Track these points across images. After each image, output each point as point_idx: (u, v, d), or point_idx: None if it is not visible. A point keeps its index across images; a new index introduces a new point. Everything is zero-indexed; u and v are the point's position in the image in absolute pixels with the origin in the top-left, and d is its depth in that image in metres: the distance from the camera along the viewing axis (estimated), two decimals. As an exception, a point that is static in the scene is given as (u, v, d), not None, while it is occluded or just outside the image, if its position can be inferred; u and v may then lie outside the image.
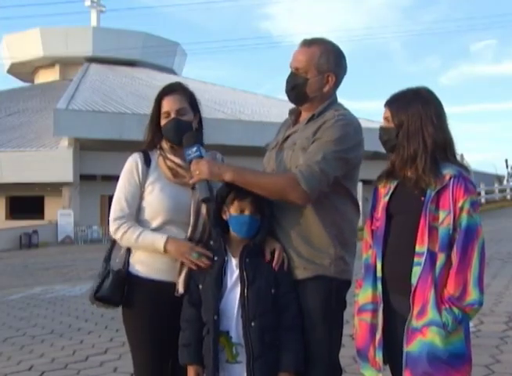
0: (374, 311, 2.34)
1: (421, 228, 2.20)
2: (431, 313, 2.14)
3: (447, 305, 2.12)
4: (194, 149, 2.46)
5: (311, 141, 2.45)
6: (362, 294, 2.39)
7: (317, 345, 2.43)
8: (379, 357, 2.29)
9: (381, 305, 2.29)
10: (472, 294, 2.11)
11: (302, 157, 2.44)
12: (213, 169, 2.42)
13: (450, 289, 2.13)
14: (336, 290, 2.47)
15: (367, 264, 2.41)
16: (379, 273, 2.31)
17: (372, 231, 2.45)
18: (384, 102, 2.41)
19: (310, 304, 2.44)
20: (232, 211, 2.46)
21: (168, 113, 2.60)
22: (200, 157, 2.45)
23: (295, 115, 2.67)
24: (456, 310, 2.11)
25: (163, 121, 2.62)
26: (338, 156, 2.40)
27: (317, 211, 2.46)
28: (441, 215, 2.19)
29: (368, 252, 2.43)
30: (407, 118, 2.28)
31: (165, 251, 2.50)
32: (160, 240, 2.51)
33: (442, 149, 2.27)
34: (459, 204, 2.16)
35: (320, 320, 2.43)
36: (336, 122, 2.43)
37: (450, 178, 2.19)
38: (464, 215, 2.15)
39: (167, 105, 2.61)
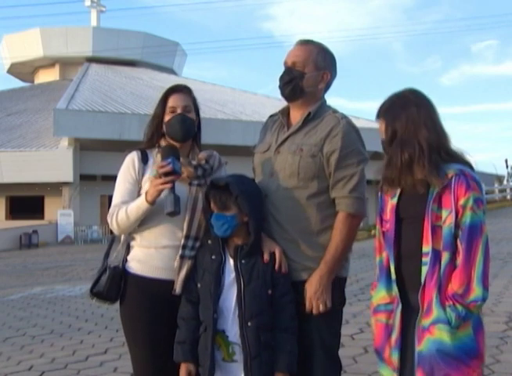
0: (389, 312, 2.34)
1: (425, 228, 2.21)
2: (436, 311, 2.15)
3: (450, 302, 2.13)
4: (169, 160, 2.44)
5: (327, 154, 2.48)
6: (376, 296, 2.41)
7: (318, 341, 2.46)
8: (395, 357, 2.29)
9: (399, 306, 2.29)
10: (475, 291, 2.12)
11: (328, 168, 2.48)
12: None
13: (454, 286, 2.14)
14: (338, 287, 2.51)
15: (381, 266, 2.40)
16: (393, 276, 2.32)
17: (383, 233, 2.43)
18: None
19: None
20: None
21: (174, 109, 2.63)
22: (174, 170, 2.43)
23: (286, 116, 2.67)
24: (459, 307, 2.12)
25: (167, 117, 2.64)
26: (360, 170, 2.50)
27: (319, 213, 2.50)
28: (444, 213, 2.19)
29: (382, 254, 2.42)
30: (400, 125, 2.26)
31: (147, 200, 2.48)
32: (141, 197, 2.52)
33: (438, 150, 2.26)
34: (461, 202, 2.16)
35: (323, 317, 2.44)
36: (343, 132, 2.49)
37: (452, 177, 2.19)
38: (468, 213, 2.15)
39: (174, 101, 2.64)
